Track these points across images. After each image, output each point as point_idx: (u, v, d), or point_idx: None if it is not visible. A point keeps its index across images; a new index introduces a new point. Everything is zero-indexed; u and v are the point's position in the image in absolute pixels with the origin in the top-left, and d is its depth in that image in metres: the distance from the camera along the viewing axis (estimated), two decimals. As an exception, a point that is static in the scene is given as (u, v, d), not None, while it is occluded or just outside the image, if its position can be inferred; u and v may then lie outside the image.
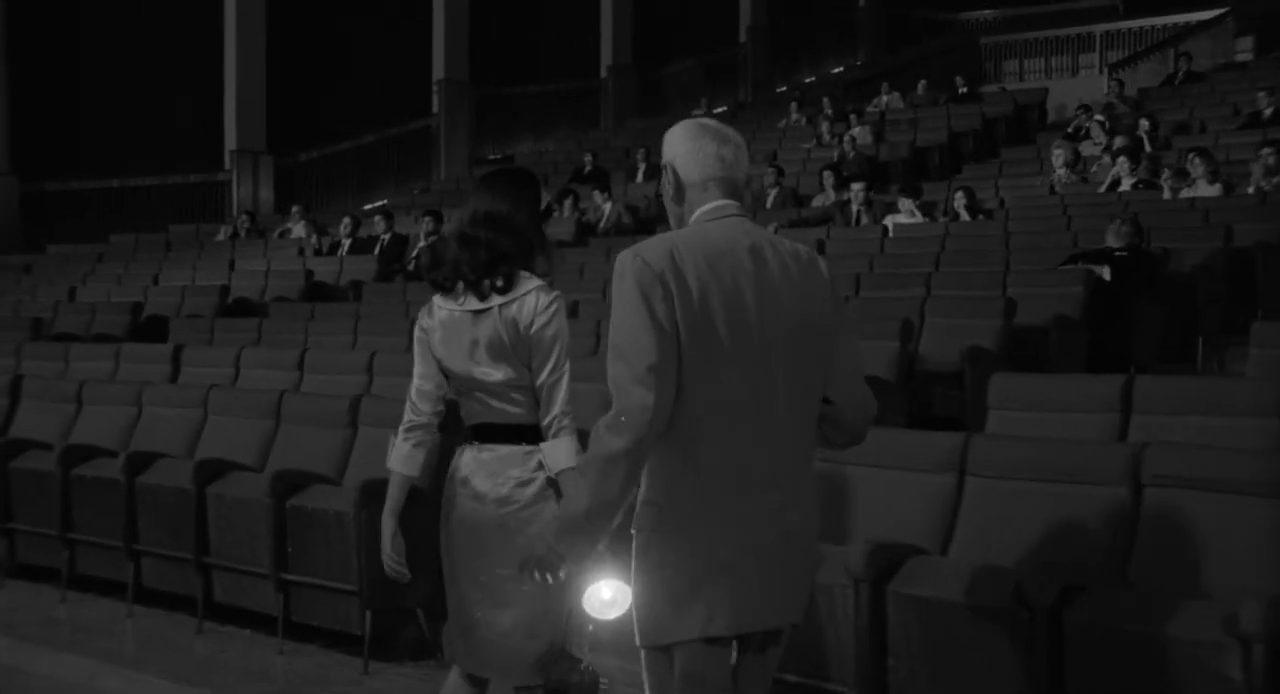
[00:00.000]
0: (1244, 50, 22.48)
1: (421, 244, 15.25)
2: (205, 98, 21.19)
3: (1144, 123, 16.06)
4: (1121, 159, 13.55)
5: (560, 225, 16.25)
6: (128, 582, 7.34)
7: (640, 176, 19.07)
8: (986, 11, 27.47)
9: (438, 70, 22.93)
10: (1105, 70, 21.09)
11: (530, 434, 3.84)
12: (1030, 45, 25.17)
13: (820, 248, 12.18)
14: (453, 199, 19.37)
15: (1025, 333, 9.03)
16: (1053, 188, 14.23)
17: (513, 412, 3.87)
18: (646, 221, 16.63)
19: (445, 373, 3.97)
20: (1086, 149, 15.78)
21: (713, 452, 3.05)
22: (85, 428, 8.37)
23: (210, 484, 6.91)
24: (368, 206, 20.93)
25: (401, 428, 4.13)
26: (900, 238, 12.26)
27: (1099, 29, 24.29)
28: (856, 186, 13.78)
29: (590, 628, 3.76)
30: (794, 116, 21.22)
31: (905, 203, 13.22)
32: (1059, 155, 14.59)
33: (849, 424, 3.24)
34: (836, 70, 26.97)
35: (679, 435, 3.05)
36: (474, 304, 3.82)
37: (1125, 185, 13.43)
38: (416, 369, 4.04)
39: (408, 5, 22.72)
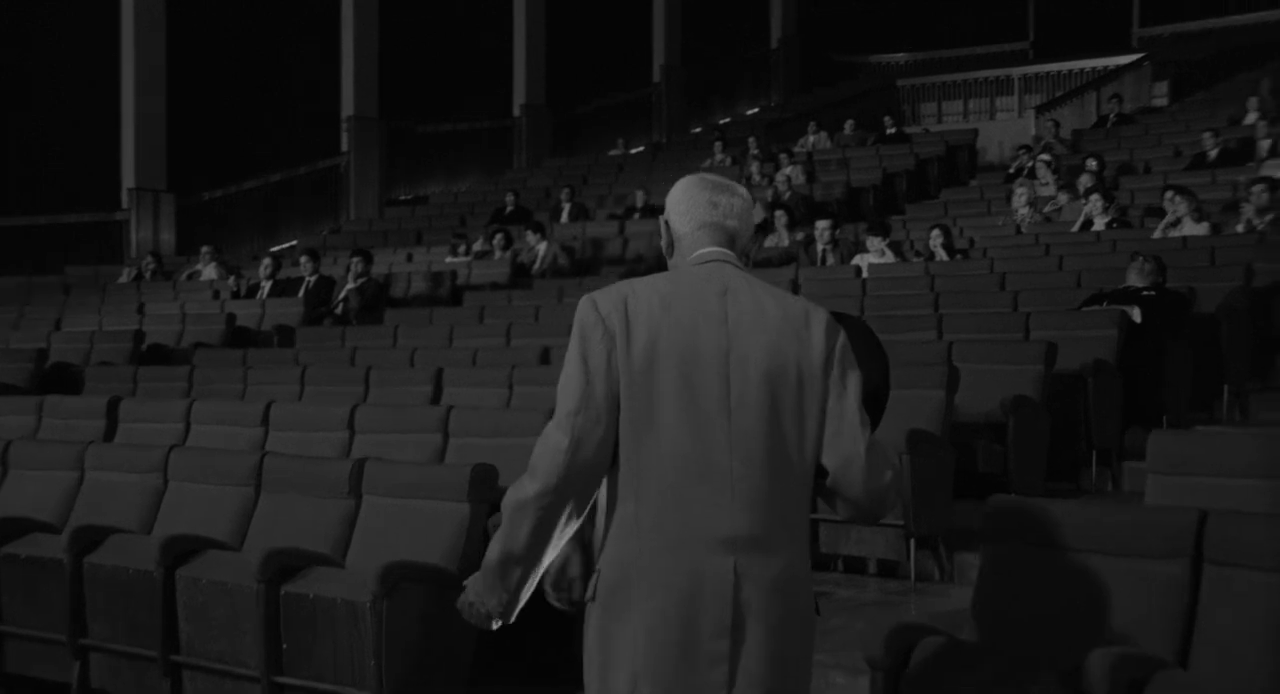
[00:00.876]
0: (1160, 95, 22.15)
1: (350, 286, 14.01)
2: (101, 133, 19.69)
3: (1091, 163, 15.41)
4: (1095, 198, 12.80)
5: (494, 266, 15.18)
6: (71, 683, 6.04)
7: (565, 216, 18.07)
8: (899, 55, 27.00)
9: (347, 107, 21.69)
10: (1033, 112, 20.54)
11: None
12: (947, 88, 24.67)
13: (793, 290, 11.26)
14: (365, 240, 18.17)
15: (1062, 380, 8.13)
16: (1019, 228, 13.47)
17: None
18: (582, 262, 15.65)
19: None
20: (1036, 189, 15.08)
21: (657, 511, 2.73)
22: (14, 496, 6.95)
23: (181, 565, 5.66)
24: (274, 248, 19.54)
25: None
26: (880, 278, 11.32)
27: (1017, 72, 23.90)
28: (822, 225, 12.84)
29: None
30: (718, 157, 20.35)
31: (875, 242, 12.30)
32: (1022, 195, 13.88)
33: (853, 498, 2.84)
34: (751, 111, 26.23)
35: (622, 493, 2.75)
36: None
37: (1099, 224, 12.68)
38: None
39: (316, 39, 21.46)
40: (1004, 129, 21.75)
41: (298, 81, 21.17)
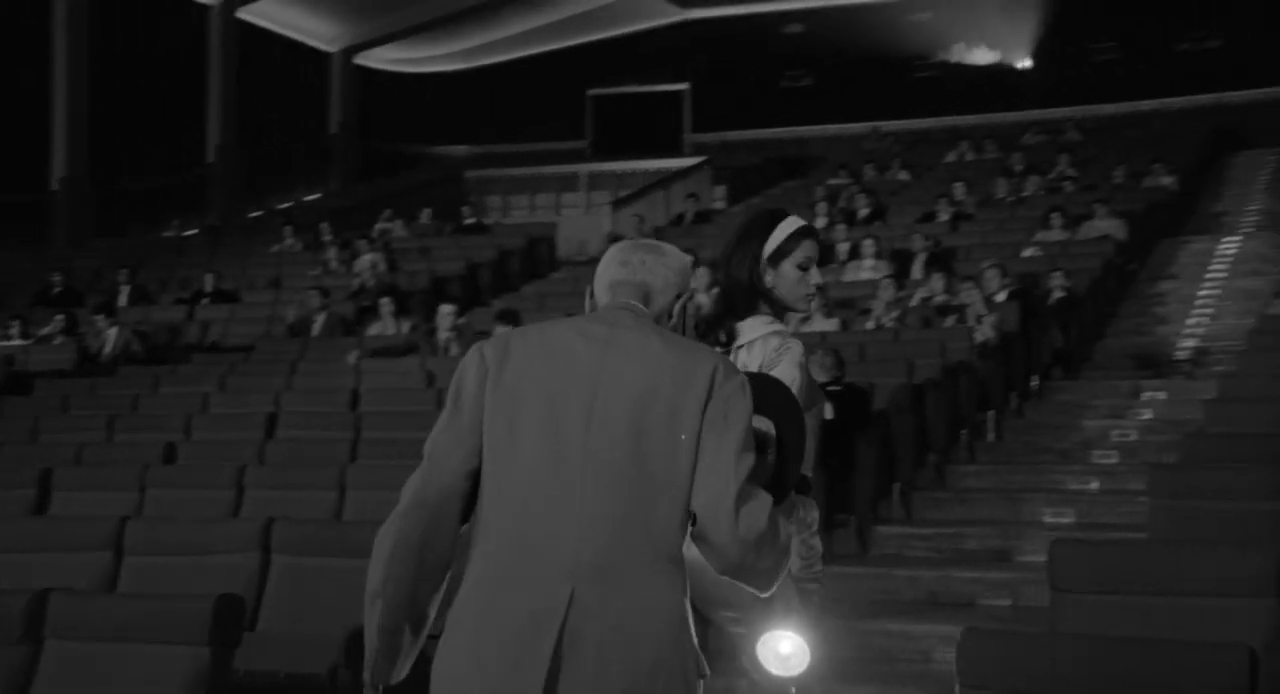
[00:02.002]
0: (719, 198, 22.54)
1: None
2: None
3: (689, 258, 15.18)
4: (714, 291, 12.43)
5: (56, 351, 13.28)
6: None
7: (125, 299, 16.19)
8: (461, 147, 26.44)
9: None
10: (607, 208, 20.37)
11: None
12: (515, 182, 24.25)
13: (431, 380, 10.24)
14: None
15: (769, 478, 7.48)
16: (639, 320, 12.95)
17: None
18: (157, 348, 13.94)
19: None
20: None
21: (502, 543, 2.59)
22: None
23: None
24: None
25: None
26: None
27: (584, 169, 23.84)
28: (445, 310, 11.85)
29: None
30: (289, 241, 18.97)
31: (501, 330, 11.42)
32: (637, 286, 13.37)
33: (719, 544, 2.61)
34: (312, 197, 24.86)
35: (477, 534, 2.64)
36: None
37: (721, 318, 12.32)
38: None
39: None
40: (572, 224, 21.51)
41: None
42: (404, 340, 12.03)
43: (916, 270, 14.81)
